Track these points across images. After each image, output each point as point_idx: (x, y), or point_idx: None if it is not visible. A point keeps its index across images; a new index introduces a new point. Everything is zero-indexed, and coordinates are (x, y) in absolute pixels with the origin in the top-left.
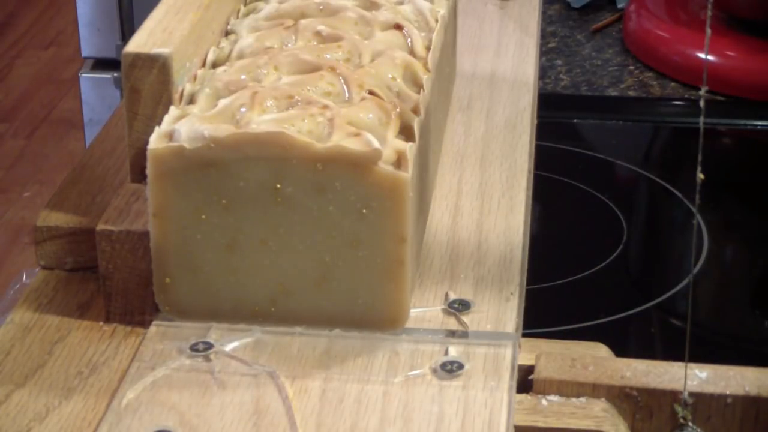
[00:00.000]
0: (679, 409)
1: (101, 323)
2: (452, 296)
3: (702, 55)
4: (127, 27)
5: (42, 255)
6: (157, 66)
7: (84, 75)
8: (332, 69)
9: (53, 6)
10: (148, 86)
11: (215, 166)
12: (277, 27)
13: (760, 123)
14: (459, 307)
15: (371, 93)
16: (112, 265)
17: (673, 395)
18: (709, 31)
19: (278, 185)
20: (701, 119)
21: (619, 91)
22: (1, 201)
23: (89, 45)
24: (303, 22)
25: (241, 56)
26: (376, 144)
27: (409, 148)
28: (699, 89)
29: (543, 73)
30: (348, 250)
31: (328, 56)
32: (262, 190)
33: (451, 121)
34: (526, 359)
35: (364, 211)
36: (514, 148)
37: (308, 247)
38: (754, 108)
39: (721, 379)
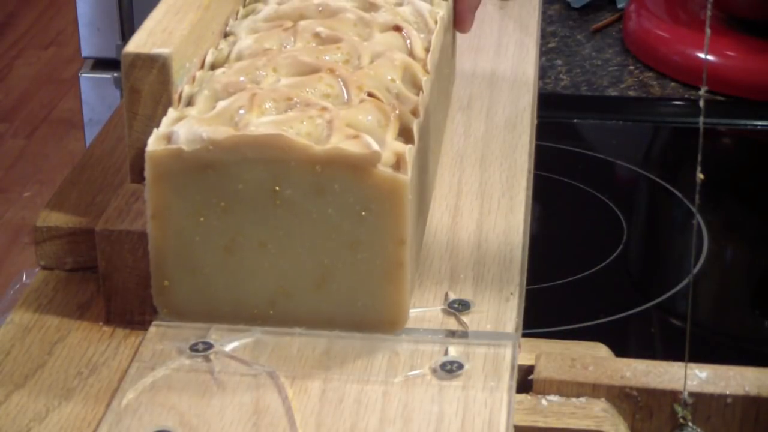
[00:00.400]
0: (679, 409)
1: (101, 323)
2: (452, 296)
3: (702, 55)
4: (127, 27)
5: (42, 255)
6: (157, 66)
7: (84, 75)
8: (331, 71)
9: (53, 6)
10: (148, 86)
11: (214, 168)
12: (276, 28)
13: (760, 123)
14: (459, 307)
15: (370, 95)
16: (112, 265)
17: (673, 395)
18: (708, 31)
19: (277, 187)
20: (701, 119)
21: (619, 91)
22: (1, 201)
23: (89, 45)
24: (302, 23)
25: (239, 58)
26: (375, 146)
27: (408, 150)
28: (699, 89)
29: (543, 73)
30: (347, 252)
31: (327, 58)
32: (260, 193)
33: (451, 121)
34: (526, 359)
35: (363, 213)
36: (514, 148)
37: (307, 249)
38: (754, 108)
39: (721, 379)
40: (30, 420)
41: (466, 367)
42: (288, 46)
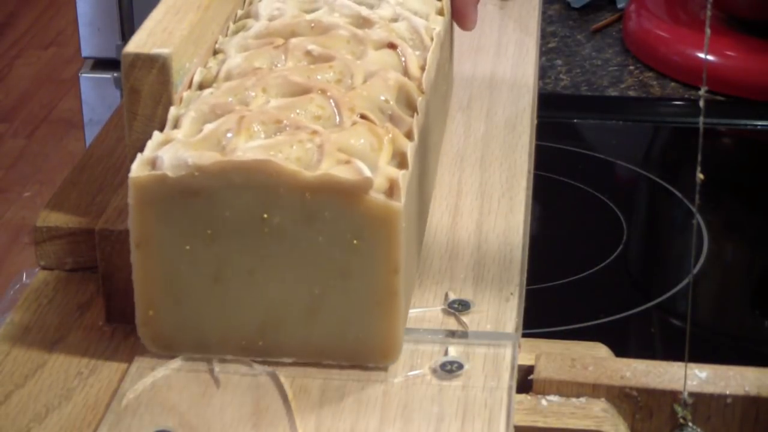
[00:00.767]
0: (678, 409)
1: (101, 323)
2: (452, 296)
3: (702, 55)
4: (127, 27)
5: (42, 255)
6: (157, 66)
7: (84, 75)
8: (322, 91)
9: (53, 6)
10: (148, 86)
11: (200, 195)
12: (266, 46)
13: (760, 123)
14: (459, 307)
15: (363, 117)
16: (112, 265)
17: (672, 395)
18: (708, 31)
19: (265, 215)
20: (701, 119)
21: (619, 91)
22: (1, 201)
23: (89, 45)
24: (293, 41)
25: (228, 77)
26: (367, 172)
27: (402, 176)
28: (699, 89)
29: (543, 73)
30: (338, 281)
31: (318, 77)
32: (248, 220)
33: (451, 121)
34: (526, 359)
35: (355, 241)
36: (514, 148)
37: (297, 278)
38: (754, 108)
39: (721, 379)
40: (30, 420)
41: (466, 367)
42: (279, 65)
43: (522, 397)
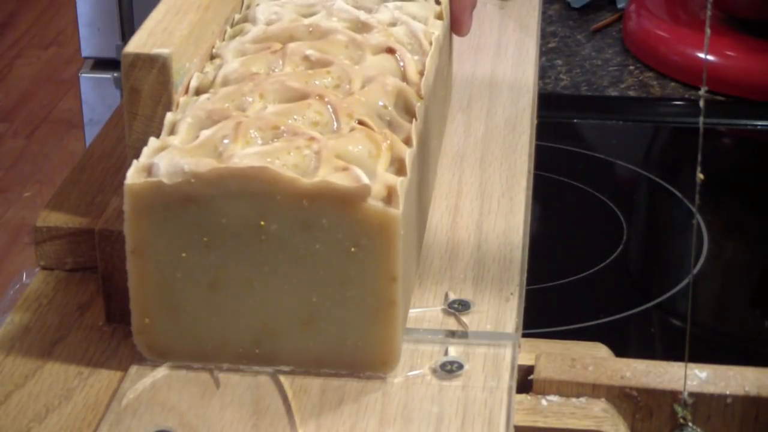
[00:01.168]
0: (678, 409)
1: (101, 323)
2: (452, 296)
3: (702, 55)
4: (127, 27)
5: (42, 255)
6: (157, 66)
7: (84, 75)
8: (320, 97)
9: (53, 6)
10: (148, 86)
11: (196, 202)
12: (264, 51)
13: (760, 123)
14: (459, 307)
15: (361, 123)
16: (112, 265)
17: (672, 395)
18: (708, 31)
19: (262, 222)
20: (701, 119)
21: (619, 91)
22: (1, 201)
23: (89, 45)
24: (291, 45)
25: (225, 82)
26: (365, 179)
27: (400, 183)
28: (699, 89)
29: (543, 73)
30: (336, 289)
31: (316, 83)
32: (245, 227)
33: (451, 121)
34: (526, 359)
35: (353, 249)
36: (514, 148)
37: (294, 286)
38: (754, 108)
39: (721, 379)
40: (30, 420)
41: (466, 367)
42: (276, 70)
43: (522, 397)
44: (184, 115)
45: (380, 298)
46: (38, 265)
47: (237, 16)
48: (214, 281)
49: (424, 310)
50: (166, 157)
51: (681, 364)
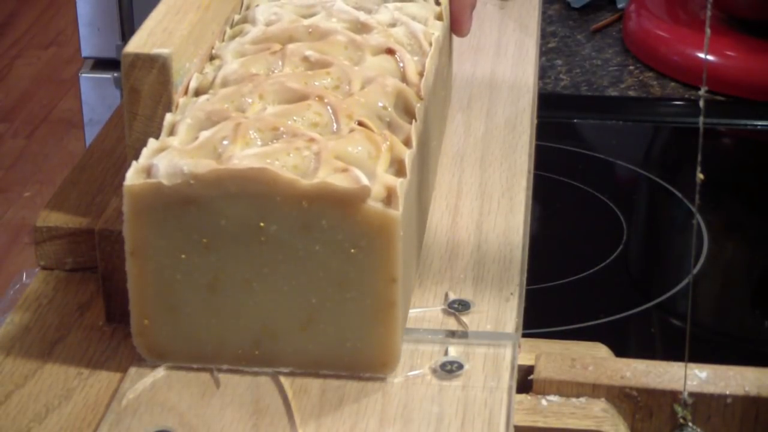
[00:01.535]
0: (678, 409)
1: (101, 323)
2: (452, 296)
3: (702, 55)
4: (127, 27)
5: (42, 255)
6: (157, 66)
7: (84, 75)
8: (320, 98)
9: (53, 6)
10: (148, 86)
11: (195, 204)
12: (263, 52)
13: (760, 123)
14: (459, 307)
15: (360, 124)
16: (112, 265)
17: (672, 395)
18: (708, 31)
19: (262, 223)
20: (701, 119)
21: (619, 91)
22: (1, 201)
23: (89, 45)
24: (290, 46)
25: (225, 83)
26: (365, 180)
27: (400, 184)
28: (699, 89)
29: (543, 73)
30: (335, 291)
31: (316, 83)
32: (244, 229)
33: (451, 121)
34: (526, 359)
35: (353, 250)
36: (514, 148)
37: (294, 288)
38: (754, 108)
39: (721, 379)
40: (30, 420)
41: (466, 367)
42: (276, 71)
43: (522, 397)
44: (184, 116)
45: (380, 299)
46: (38, 265)
47: (237, 17)
48: (213, 282)
49: (424, 310)
50: (165, 158)
51: (681, 364)
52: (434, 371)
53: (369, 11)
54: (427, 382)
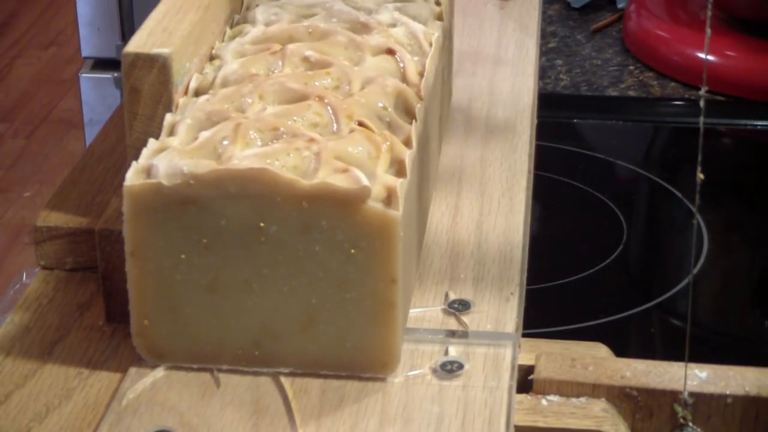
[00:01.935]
0: (679, 409)
1: (101, 323)
2: (452, 296)
3: (702, 55)
4: (127, 27)
5: (42, 255)
6: (157, 66)
7: (84, 75)
8: (320, 98)
9: (53, 6)
10: (148, 86)
11: (195, 204)
12: (263, 52)
13: (760, 123)
14: (459, 307)
15: (361, 124)
16: (112, 265)
17: (673, 395)
18: (709, 31)
19: (262, 224)
20: (701, 119)
21: (619, 91)
22: (1, 201)
23: (89, 45)
24: (290, 47)
25: (225, 84)
26: (365, 181)
27: (400, 185)
28: (699, 89)
29: (543, 73)
30: (335, 291)
31: (316, 84)
32: (244, 229)
33: (451, 121)
34: (526, 359)
35: (353, 251)
36: (514, 148)
37: (294, 288)
38: (754, 108)
39: (721, 379)
40: (30, 420)
41: (466, 367)
42: (276, 71)
43: (522, 397)
44: (184, 116)
45: (380, 299)
46: (38, 265)
47: (237, 17)
48: (213, 283)
49: (424, 310)
50: (165, 159)
51: (681, 364)
52: (434, 371)
53: (369, 11)
54: (427, 382)
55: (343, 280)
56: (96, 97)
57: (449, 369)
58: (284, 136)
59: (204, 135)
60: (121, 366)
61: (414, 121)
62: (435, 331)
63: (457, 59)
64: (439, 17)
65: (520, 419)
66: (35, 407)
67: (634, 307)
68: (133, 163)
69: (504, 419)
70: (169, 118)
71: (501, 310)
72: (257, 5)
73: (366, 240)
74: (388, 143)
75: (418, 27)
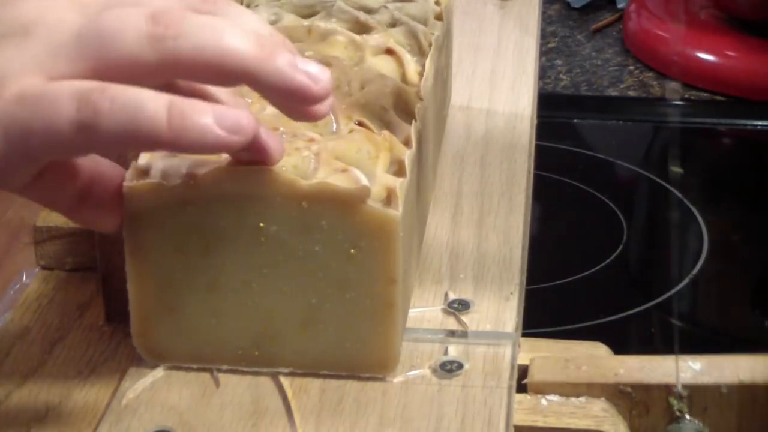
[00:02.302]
0: (674, 402)
1: (101, 323)
2: (452, 296)
3: (702, 55)
4: None
5: (42, 255)
6: None
7: None
8: None
9: None
10: None
11: (194, 204)
12: None
13: (760, 123)
14: (458, 306)
15: (360, 124)
16: (112, 265)
17: (667, 389)
18: (682, 26)
19: (261, 224)
20: (698, 119)
21: (619, 91)
22: (1, 201)
23: None
24: None
25: None
26: (364, 181)
27: (400, 185)
28: (699, 89)
29: (543, 73)
30: (335, 291)
31: None
32: (244, 230)
33: (451, 121)
34: (526, 359)
35: (352, 251)
36: (514, 148)
37: (293, 288)
38: (754, 108)
39: (715, 369)
40: (30, 419)
41: (466, 366)
42: None
43: (522, 396)
44: None
45: (379, 300)
46: (38, 265)
47: None
48: (213, 283)
49: (423, 310)
50: (164, 159)
51: (674, 357)
52: (434, 371)
53: (369, 11)
54: (427, 382)
55: (342, 280)
56: None
57: (449, 369)
58: (284, 136)
59: None
60: (121, 366)
61: (414, 121)
62: (434, 330)
63: (457, 59)
64: (439, 17)
65: (520, 419)
66: (35, 407)
67: (634, 306)
68: (133, 163)
69: (503, 419)
70: None
71: (500, 309)
72: (257, 5)
73: (366, 240)
74: (388, 143)
75: (418, 27)
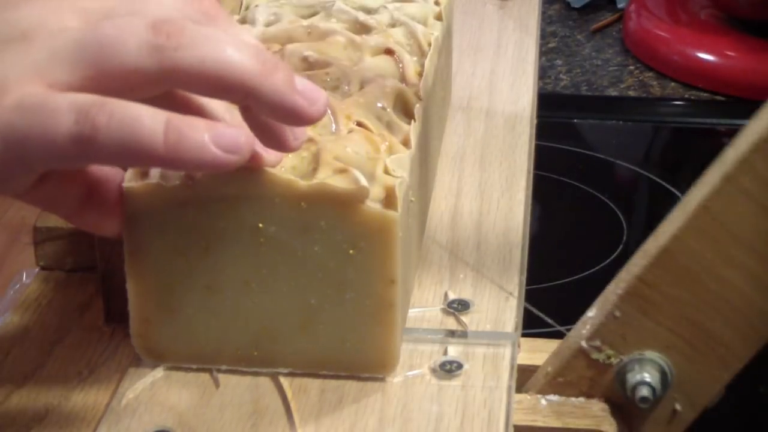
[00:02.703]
0: (598, 356)
1: (101, 323)
2: (451, 296)
3: (702, 55)
4: None
5: (42, 255)
6: None
7: None
8: None
9: None
10: None
11: (194, 205)
12: None
13: None
14: (458, 306)
15: (359, 124)
16: (112, 266)
17: None
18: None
19: (260, 225)
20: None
21: (619, 91)
22: (1, 201)
23: None
24: (290, 47)
25: None
26: (363, 181)
27: (399, 185)
28: (699, 89)
29: (543, 73)
30: (334, 292)
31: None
32: (243, 230)
33: (451, 121)
34: (525, 359)
35: (351, 251)
36: (514, 148)
37: (292, 289)
38: (754, 108)
39: None
40: (30, 420)
41: (466, 366)
42: None
43: (521, 396)
44: None
45: (379, 300)
46: (38, 265)
47: (236, 17)
48: (212, 283)
49: (423, 310)
50: None
51: None
52: (433, 371)
53: (368, 11)
54: (427, 382)
55: (342, 280)
56: None
57: (448, 369)
58: None
59: None
60: (121, 366)
61: (413, 121)
62: (434, 331)
63: (456, 59)
64: (439, 17)
65: (520, 419)
66: (35, 407)
67: None
68: None
69: (503, 419)
70: None
71: (500, 309)
72: (257, 5)
73: (365, 240)
74: (387, 143)
75: (417, 27)
